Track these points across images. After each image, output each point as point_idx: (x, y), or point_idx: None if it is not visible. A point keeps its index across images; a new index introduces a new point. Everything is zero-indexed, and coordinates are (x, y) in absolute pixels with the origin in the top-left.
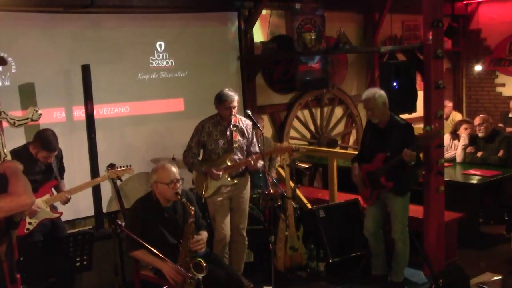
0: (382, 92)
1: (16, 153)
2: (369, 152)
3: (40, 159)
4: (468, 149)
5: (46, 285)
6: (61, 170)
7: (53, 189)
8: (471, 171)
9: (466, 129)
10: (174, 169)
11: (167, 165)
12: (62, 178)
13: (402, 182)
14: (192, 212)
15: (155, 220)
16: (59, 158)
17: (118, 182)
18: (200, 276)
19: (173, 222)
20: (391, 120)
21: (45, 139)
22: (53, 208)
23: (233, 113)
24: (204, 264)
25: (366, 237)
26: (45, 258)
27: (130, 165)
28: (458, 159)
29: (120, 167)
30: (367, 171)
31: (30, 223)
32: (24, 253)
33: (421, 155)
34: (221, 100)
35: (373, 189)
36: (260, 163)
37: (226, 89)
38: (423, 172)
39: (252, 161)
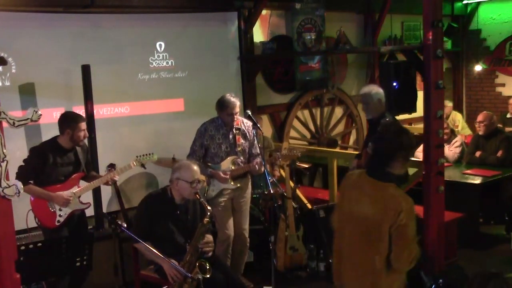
0: (380, 90)
1: (45, 145)
2: (363, 148)
3: (78, 139)
4: (453, 147)
5: (46, 285)
6: (88, 163)
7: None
8: (471, 171)
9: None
10: (197, 168)
11: (191, 165)
12: (91, 170)
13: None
14: (209, 212)
15: (167, 215)
16: (86, 150)
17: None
18: (201, 276)
19: (184, 221)
20: (382, 116)
21: (72, 115)
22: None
23: (235, 118)
24: (208, 267)
25: None
26: (45, 258)
27: (152, 153)
28: (450, 159)
29: (143, 155)
30: (358, 166)
31: (60, 215)
32: (24, 253)
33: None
34: (223, 107)
35: None
36: (262, 169)
37: (228, 94)
38: (423, 172)
39: (256, 166)
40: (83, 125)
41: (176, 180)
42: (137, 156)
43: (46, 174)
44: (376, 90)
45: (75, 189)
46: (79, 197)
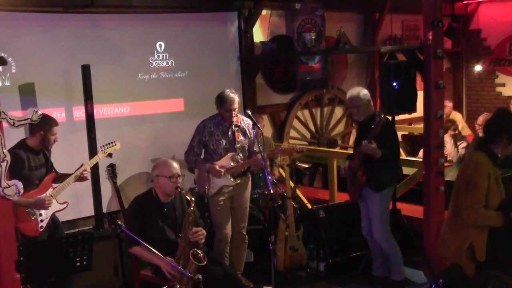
0: (367, 91)
1: (17, 150)
2: (355, 148)
3: (49, 142)
4: (460, 147)
5: (46, 285)
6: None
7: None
8: None
9: (453, 130)
10: (176, 165)
11: (169, 160)
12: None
13: (375, 176)
14: (192, 202)
15: (155, 216)
16: (49, 151)
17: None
18: (200, 276)
19: (173, 218)
20: (372, 116)
21: (46, 118)
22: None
23: (234, 114)
24: (202, 254)
25: (365, 237)
26: (45, 258)
27: (114, 141)
28: (454, 159)
29: (106, 145)
30: (351, 166)
31: (42, 220)
32: (24, 253)
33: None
34: (221, 102)
35: (353, 184)
36: (262, 163)
37: (227, 90)
38: (423, 172)
39: (255, 161)
40: (56, 129)
41: (156, 177)
42: (101, 147)
43: (23, 179)
44: (364, 91)
45: (50, 191)
46: (56, 198)
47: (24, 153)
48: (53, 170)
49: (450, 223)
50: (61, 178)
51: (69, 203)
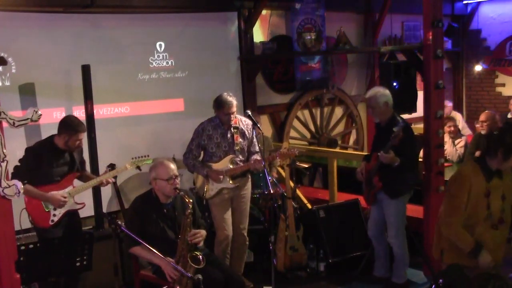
0: (386, 92)
1: (41, 146)
2: (372, 151)
3: (72, 146)
4: (458, 146)
5: (46, 285)
6: (82, 163)
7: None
8: None
9: (449, 126)
10: (173, 166)
11: (165, 162)
12: (84, 169)
13: (391, 183)
14: (190, 204)
15: (155, 216)
16: (80, 150)
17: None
18: (200, 276)
19: (172, 219)
20: (391, 119)
21: (74, 123)
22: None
23: (232, 117)
24: (201, 256)
25: (370, 238)
26: (45, 258)
27: (147, 155)
28: (454, 159)
29: (138, 157)
30: (367, 169)
31: (54, 215)
32: (25, 253)
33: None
34: (220, 106)
35: (368, 188)
36: (261, 165)
37: (225, 93)
38: (423, 172)
39: (252, 161)
40: (81, 135)
41: (153, 180)
42: (132, 158)
43: (42, 174)
44: (382, 92)
45: (69, 189)
46: (73, 197)
47: (46, 150)
48: (79, 169)
49: (438, 227)
50: (84, 178)
51: (85, 204)
